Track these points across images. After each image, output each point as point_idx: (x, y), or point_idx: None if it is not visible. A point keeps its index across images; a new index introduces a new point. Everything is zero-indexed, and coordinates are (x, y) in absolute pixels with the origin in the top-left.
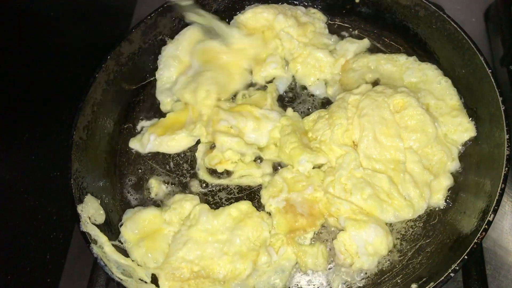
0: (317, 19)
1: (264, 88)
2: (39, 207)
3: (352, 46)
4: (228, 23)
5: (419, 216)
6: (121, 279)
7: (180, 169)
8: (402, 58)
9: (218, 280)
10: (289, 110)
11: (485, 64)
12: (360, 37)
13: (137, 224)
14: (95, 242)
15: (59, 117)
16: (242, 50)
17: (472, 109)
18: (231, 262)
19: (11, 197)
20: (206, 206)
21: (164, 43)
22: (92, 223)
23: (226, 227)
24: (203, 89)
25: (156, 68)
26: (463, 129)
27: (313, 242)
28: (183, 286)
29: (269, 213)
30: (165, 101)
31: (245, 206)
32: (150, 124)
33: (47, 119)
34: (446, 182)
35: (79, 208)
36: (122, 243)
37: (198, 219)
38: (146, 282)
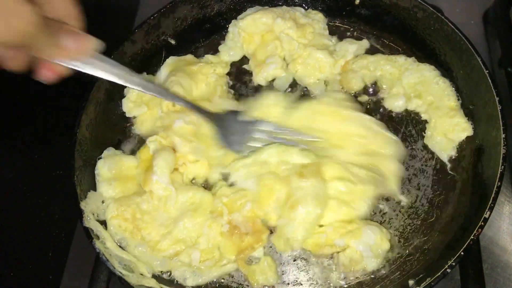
0: (316, 20)
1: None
2: (41, 206)
3: (352, 47)
4: (228, 25)
5: (417, 214)
6: (123, 274)
7: None
8: (401, 59)
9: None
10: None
11: (482, 65)
12: (359, 38)
13: (115, 165)
14: (98, 237)
15: (62, 117)
16: (215, 64)
17: (469, 108)
18: (166, 239)
19: (13, 196)
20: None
21: (167, 44)
22: (95, 220)
23: (180, 206)
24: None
25: (158, 68)
26: (460, 128)
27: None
28: (120, 223)
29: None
30: (128, 106)
31: (207, 198)
32: None
33: (50, 118)
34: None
35: (82, 204)
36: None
37: None
38: (146, 277)
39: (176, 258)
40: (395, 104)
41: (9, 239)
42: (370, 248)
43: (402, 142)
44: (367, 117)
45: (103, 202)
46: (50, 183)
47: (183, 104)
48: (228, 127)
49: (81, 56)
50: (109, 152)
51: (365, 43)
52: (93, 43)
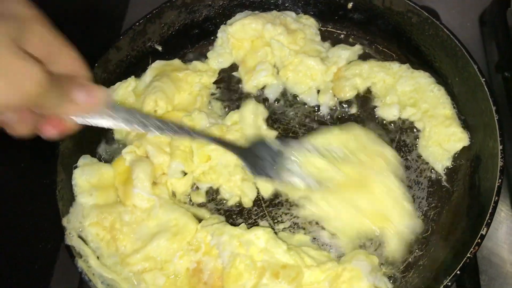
0: (308, 25)
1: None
2: (28, 216)
3: (345, 53)
4: (217, 30)
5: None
6: None
7: None
8: (395, 66)
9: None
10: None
11: (478, 73)
12: (352, 44)
13: (94, 174)
14: (80, 256)
15: None
16: (202, 72)
17: (464, 118)
18: (137, 253)
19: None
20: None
21: (153, 50)
22: (79, 236)
23: (161, 223)
24: (151, 98)
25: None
26: (456, 138)
27: None
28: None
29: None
30: None
31: (191, 226)
32: None
33: None
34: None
35: (64, 220)
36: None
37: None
38: None
39: (141, 276)
40: (389, 112)
41: None
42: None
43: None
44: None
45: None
46: (37, 193)
47: (208, 141)
48: (257, 157)
49: (95, 109)
50: (85, 160)
51: (357, 49)
52: (105, 94)
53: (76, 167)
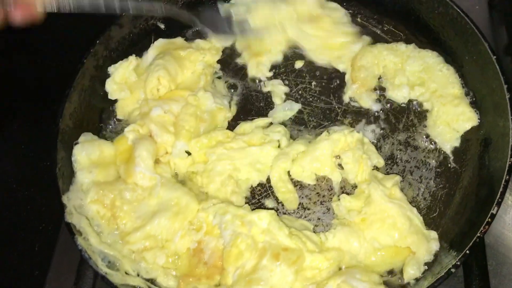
0: (333, 9)
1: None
2: (28, 198)
3: (355, 46)
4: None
5: (419, 208)
6: (106, 273)
7: None
8: (402, 47)
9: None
10: None
11: (489, 50)
12: (360, 24)
13: (94, 151)
14: (80, 233)
15: (49, 106)
16: (205, 51)
17: (473, 98)
18: (138, 231)
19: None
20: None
21: (156, 28)
22: (78, 213)
23: (162, 202)
24: (153, 76)
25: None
26: (465, 118)
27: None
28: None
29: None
30: (111, 88)
31: (192, 206)
32: None
33: (37, 108)
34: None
35: (64, 198)
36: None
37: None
38: (131, 275)
39: (142, 254)
40: (399, 94)
41: None
42: (360, 280)
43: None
44: (410, 207)
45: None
46: (37, 175)
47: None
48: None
49: None
50: (87, 137)
51: (366, 40)
52: None
53: (76, 143)
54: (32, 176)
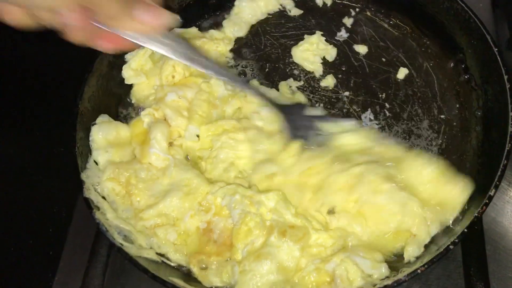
0: None
1: None
2: (42, 182)
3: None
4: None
5: None
6: (122, 245)
7: None
8: None
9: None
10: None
11: (492, 44)
12: (368, 18)
13: (110, 132)
14: (98, 208)
15: (62, 94)
16: (218, 41)
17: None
18: (151, 209)
19: (13, 172)
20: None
21: None
22: (95, 191)
23: (174, 182)
24: (169, 64)
25: None
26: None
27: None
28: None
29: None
30: (128, 73)
31: (203, 188)
32: None
33: (52, 95)
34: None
35: (83, 175)
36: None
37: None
38: (146, 248)
39: (154, 230)
40: None
41: (9, 215)
42: (363, 257)
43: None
44: (405, 194)
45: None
46: (51, 160)
47: (251, 92)
48: (294, 120)
49: (154, 32)
50: (104, 118)
51: None
52: (170, 19)
53: (94, 124)
54: (46, 161)
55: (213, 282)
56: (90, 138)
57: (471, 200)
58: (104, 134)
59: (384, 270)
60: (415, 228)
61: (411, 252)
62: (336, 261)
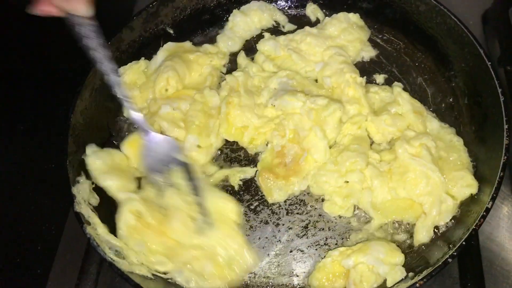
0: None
1: None
2: (32, 198)
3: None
4: (227, 16)
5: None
6: (114, 260)
7: None
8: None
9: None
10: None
11: (485, 57)
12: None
13: (106, 158)
14: (89, 223)
15: (53, 111)
16: (212, 55)
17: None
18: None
19: (4, 188)
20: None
21: (165, 33)
22: (86, 206)
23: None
24: (162, 77)
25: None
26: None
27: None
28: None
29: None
30: None
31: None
32: None
33: (44, 111)
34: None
35: (74, 189)
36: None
37: None
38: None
39: (188, 265)
40: None
41: None
42: (382, 261)
43: None
44: (433, 167)
45: (93, 187)
46: (42, 176)
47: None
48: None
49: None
50: (92, 148)
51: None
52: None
53: (85, 156)
54: (36, 177)
55: (273, 196)
56: (88, 168)
57: (468, 213)
58: (101, 160)
59: (400, 273)
60: (427, 206)
61: (421, 236)
62: (354, 260)
